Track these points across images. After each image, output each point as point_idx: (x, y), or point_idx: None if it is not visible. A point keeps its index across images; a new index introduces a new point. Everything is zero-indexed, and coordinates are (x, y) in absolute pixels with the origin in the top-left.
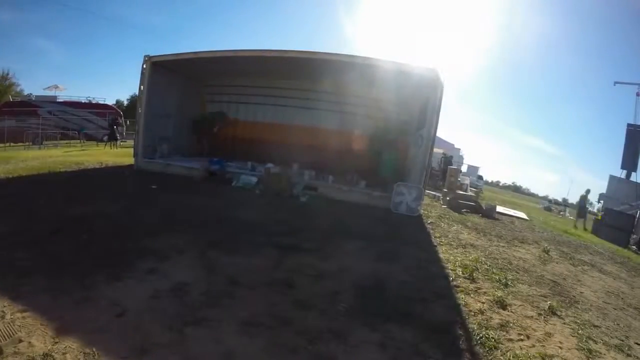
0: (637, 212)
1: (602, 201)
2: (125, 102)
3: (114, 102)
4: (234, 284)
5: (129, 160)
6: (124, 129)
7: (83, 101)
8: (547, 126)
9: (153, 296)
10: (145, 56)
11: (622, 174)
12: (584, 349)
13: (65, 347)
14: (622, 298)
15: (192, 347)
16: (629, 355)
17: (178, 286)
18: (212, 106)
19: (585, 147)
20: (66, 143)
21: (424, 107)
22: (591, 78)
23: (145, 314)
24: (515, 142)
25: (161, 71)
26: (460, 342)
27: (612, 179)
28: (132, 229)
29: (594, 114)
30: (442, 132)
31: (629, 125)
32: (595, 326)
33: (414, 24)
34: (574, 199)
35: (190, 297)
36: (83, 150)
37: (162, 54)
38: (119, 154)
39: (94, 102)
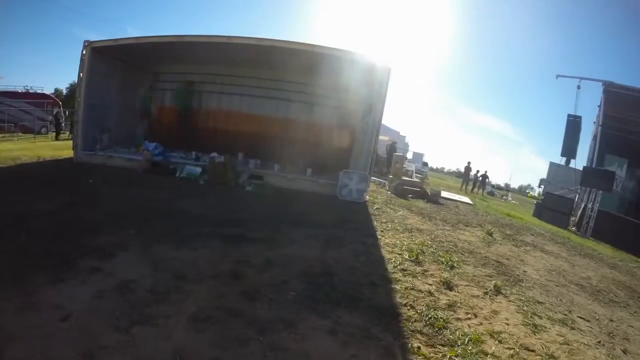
0: (575, 196)
1: (542, 186)
2: (65, 91)
3: (53, 92)
4: (181, 279)
5: (68, 153)
6: (63, 119)
7: (20, 91)
8: (503, 109)
9: (98, 296)
10: (85, 41)
11: (562, 160)
12: (529, 324)
13: (10, 357)
14: (564, 276)
15: (141, 347)
16: (572, 328)
17: (123, 284)
18: (156, 94)
19: (541, 133)
20: (1, 136)
21: (370, 95)
22: (550, 69)
23: (91, 315)
24: (465, 124)
25: (102, 58)
26: (410, 324)
27: (552, 165)
28: (74, 226)
29: (551, 103)
30: (388, 120)
31: (569, 115)
32: (539, 302)
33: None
34: (516, 183)
35: (136, 295)
36: (19, 144)
37: (103, 39)
38: (57, 147)
39: (31, 91)
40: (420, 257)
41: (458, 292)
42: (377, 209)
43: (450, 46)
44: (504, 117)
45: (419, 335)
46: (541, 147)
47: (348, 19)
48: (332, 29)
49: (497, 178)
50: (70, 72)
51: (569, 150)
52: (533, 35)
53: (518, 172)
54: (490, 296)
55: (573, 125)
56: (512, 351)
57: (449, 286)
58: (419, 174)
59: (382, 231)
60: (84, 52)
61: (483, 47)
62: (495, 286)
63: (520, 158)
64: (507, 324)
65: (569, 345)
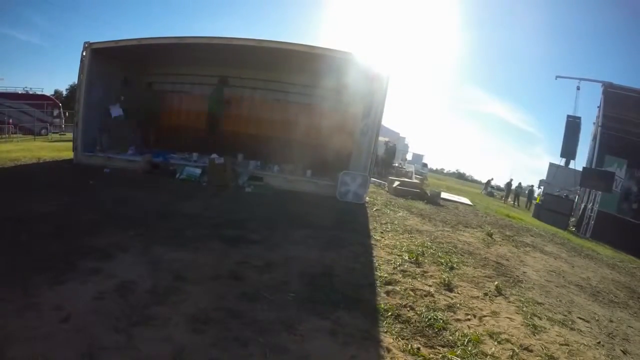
0: (575, 196)
1: (542, 187)
2: (65, 92)
3: (53, 93)
4: (180, 280)
5: (68, 154)
6: (63, 120)
7: (19, 92)
8: (505, 106)
9: (97, 297)
10: (85, 43)
11: (561, 161)
12: (529, 325)
13: (10, 358)
14: (564, 276)
15: (141, 348)
16: (572, 329)
17: (123, 285)
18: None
19: (543, 133)
20: (1, 138)
21: (370, 96)
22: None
23: (91, 316)
24: (464, 119)
25: (102, 59)
26: (410, 325)
27: (552, 166)
28: (74, 227)
29: (552, 104)
30: (388, 121)
31: (568, 116)
32: (539, 303)
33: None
34: (515, 184)
35: (136, 296)
36: (19, 145)
37: (103, 40)
38: (57, 148)
39: (31, 92)
40: (420, 259)
41: (458, 293)
42: (376, 210)
43: (452, 41)
44: (505, 115)
45: (418, 337)
46: (540, 148)
47: (347, 16)
48: (331, 28)
49: (497, 179)
50: (70, 73)
51: (569, 151)
52: (534, 35)
53: (519, 173)
54: (490, 297)
55: (573, 126)
56: (511, 352)
57: (448, 287)
58: (419, 174)
59: (381, 232)
60: (84, 54)
61: (486, 41)
62: (495, 287)
63: (520, 159)
64: (507, 325)
65: (568, 345)
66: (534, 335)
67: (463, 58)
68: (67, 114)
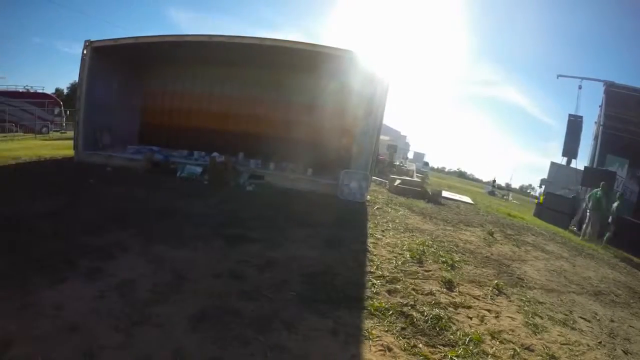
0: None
1: (543, 186)
2: (65, 91)
3: (54, 91)
4: (181, 279)
5: (69, 152)
6: (64, 119)
7: (20, 90)
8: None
9: (98, 296)
10: (86, 41)
11: (563, 160)
12: (530, 324)
13: (10, 357)
14: (565, 276)
15: (142, 347)
16: (573, 328)
17: (123, 284)
18: (155, 94)
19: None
20: (2, 136)
21: (371, 95)
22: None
23: (91, 315)
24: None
25: (102, 57)
26: (411, 324)
27: (553, 165)
28: (74, 226)
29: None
30: (389, 120)
31: (570, 115)
32: (540, 303)
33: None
34: (517, 183)
35: (137, 294)
36: (20, 143)
37: (103, 39)
38: (58, 147)
39: (31, 91)
40: (421, 257)
41: (459, 292)
42: (377, 208)
43: (456, 36)
44: (518, 99)
45: (420, 336)
46: (554, 145)
47: (347, 14)
48: (331, 27)
49: (498, 178)
50: (71, 72)
51: (570, 150)
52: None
53: (519, 173)
54: (491, 296)
55: (574, 126)
56: (513, 351)
57: (450, 286)
58: (420, 173)
59: (382, 231)
60: (84, 52)
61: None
62: (496, 286)
63: (525, 157)
64: (508, 324)
65: (569, 345)
66: (535, 334)
67: (469, 42)
68: (68, 112)
